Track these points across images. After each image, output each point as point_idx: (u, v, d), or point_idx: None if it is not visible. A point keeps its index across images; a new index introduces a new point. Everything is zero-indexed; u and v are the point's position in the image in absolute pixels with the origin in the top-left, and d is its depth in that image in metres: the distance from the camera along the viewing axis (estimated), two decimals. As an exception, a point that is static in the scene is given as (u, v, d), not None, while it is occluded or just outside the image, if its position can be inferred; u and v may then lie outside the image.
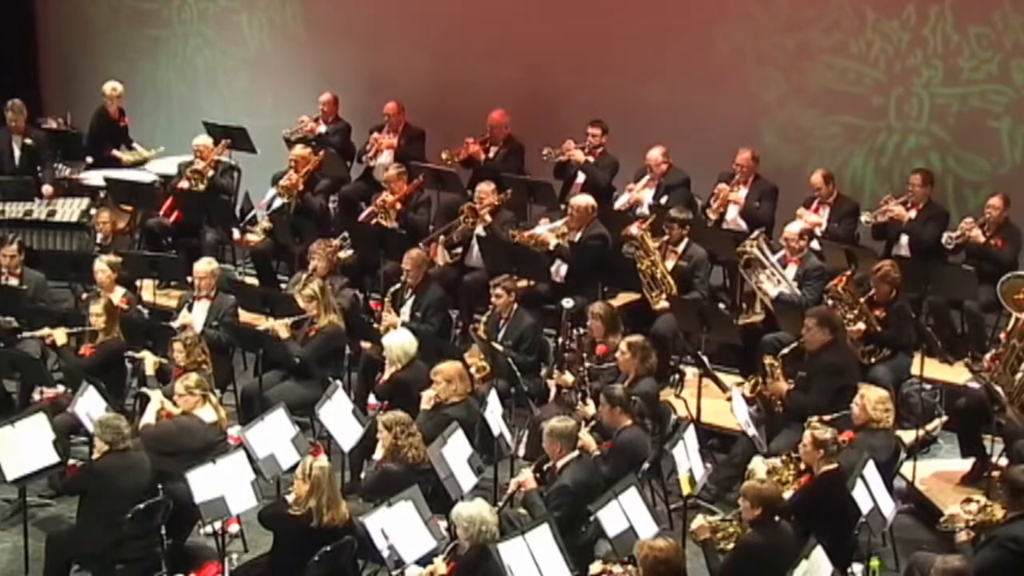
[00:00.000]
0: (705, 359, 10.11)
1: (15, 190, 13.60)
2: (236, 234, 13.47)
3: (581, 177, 13.00)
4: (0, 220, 13.35)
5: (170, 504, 8.52)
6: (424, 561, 7.96)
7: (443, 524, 8.30)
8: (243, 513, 8.69)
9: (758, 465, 8.75)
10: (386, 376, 10.12)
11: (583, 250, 11.66)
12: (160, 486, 8.58)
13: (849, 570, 8.24)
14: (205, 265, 11.26)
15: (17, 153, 14.13)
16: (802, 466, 8.66)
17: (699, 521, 8.14)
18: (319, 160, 13.31)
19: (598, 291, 11.55)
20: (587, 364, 9.98)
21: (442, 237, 12.42)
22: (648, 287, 11.31)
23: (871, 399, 9.00)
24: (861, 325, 10.42)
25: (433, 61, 14.48)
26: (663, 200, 12.45)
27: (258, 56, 15.79)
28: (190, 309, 11.19)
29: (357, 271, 12.38)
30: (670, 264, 11.40)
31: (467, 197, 12.65)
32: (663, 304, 11.18)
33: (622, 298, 11.69)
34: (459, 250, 12.42)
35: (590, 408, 9.53)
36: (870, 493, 8.30)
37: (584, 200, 11.94)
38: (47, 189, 13.77)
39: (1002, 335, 9.99)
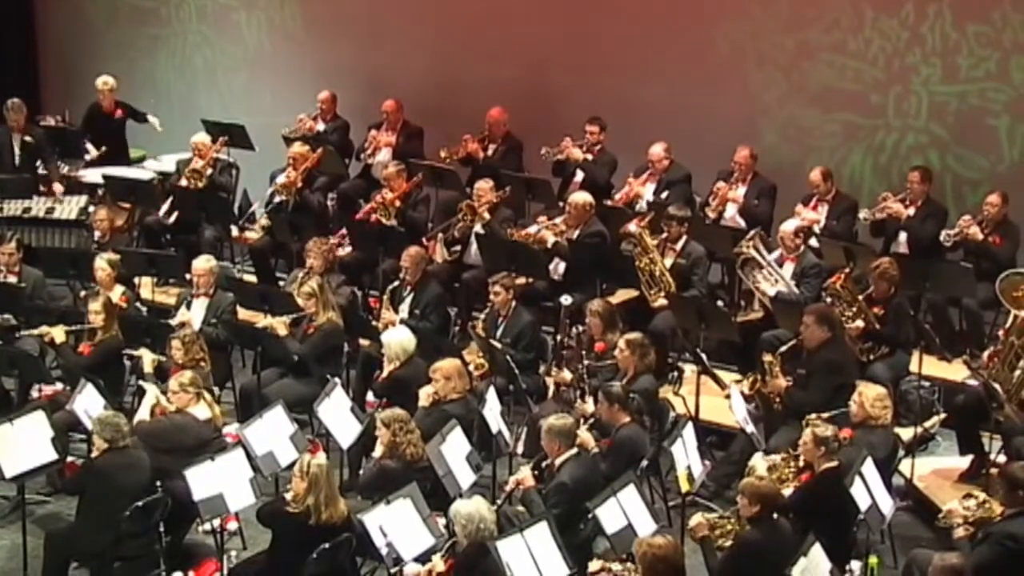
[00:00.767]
0: (704, 356, 10.10)
1: (14, 187, 13.59)
2: (235, 231, 13.47)
3: (580, 175, 13.00)
4: (-2, 217, 13.38)
5: (168, 502, 8.52)
6: (422, 559, 7.95)
7: (441, 521, 8.29)
8: (241, 510, 8.68)
9: (758, 462, 8.74)
10: (385, 373, 10.13)
11: (581, 248, 11.66)
12: (159, 483, 8.58)
13: (848, 567, 8.23)
14: (204, 263, 11.26)
15: (17, 151, 14.13)
16: (801, 463, 8.67)
17: (697, 518, 8.14)
18: (317, 157, 13.31)
19: (597, 288, 11.54)
20: (586, 361, 9.98)
21: (441, 235, 12.42)
22: (647, 284, 11.31)
23: (869, 396, 9.00)
24: (860, 323, 10.42)
25: (432, 59, 14.49)
26: (664, 195, 12.45)
27: (257, 54, 15.80)
28: (188, 307, 11.20)
29: (356, 269, 12.38)
30: (669, 261, 11.40)
31: (466, 195, 12.66)
32: (662, 301, 11.18)
33: (621, 295, 11.69)
34: (458, 248, 12.43)
35: (589, 405, 9.53)
36: (868, 490, 8.29)
37: (582, 198, 11.94)
38: (58, 187, 13.75)
39: (1000, 332, 10.00)
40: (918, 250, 11.59)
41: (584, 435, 8.91)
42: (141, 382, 9.96)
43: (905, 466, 9.70)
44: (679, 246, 11.48)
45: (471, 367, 10.28)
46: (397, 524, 7.93)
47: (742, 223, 12.12)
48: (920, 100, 12.59)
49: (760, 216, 12.16)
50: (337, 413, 9.45)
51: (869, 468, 8.38)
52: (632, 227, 11.38)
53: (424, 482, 8.54)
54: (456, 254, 12.41)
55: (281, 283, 12.29)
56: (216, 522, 8.54)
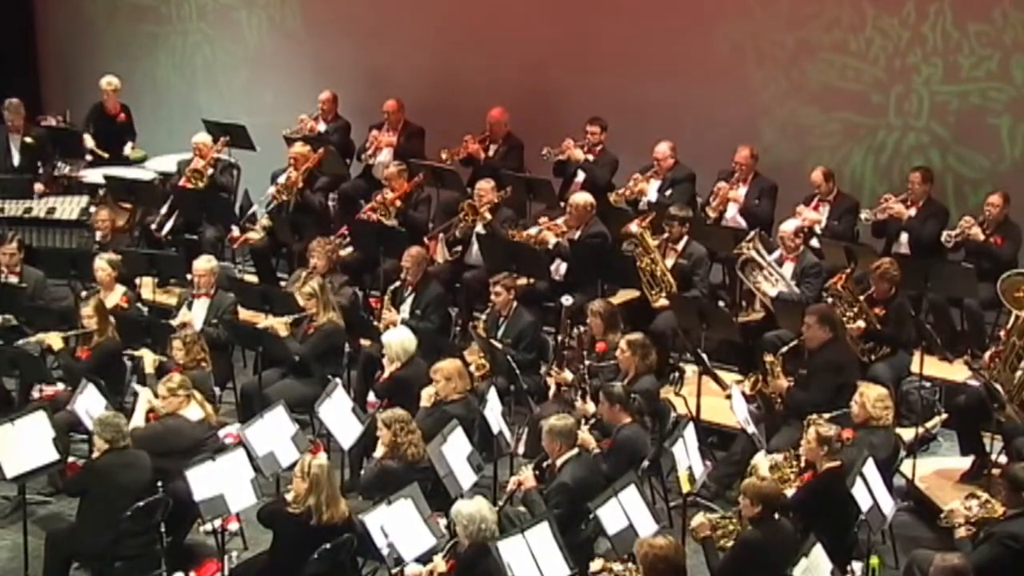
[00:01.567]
0: (705, 357, 10.11)
1: (15, 188, 13.59)
2: (235, 232, 13.46)
3: (581, 175, 13.00)
4: (-1, 218, 13.39)
5: (169, 502, 8.52)
6: (424, 559, 7.95)
7: (443, 522, 8.30)
8: (242, 511, 8.68)
9: (761, 461, 8.75)
10: (386, 374, 10.12)
11: (583, 248, 11.66)
12: (160, 484, 8.58)
13: (849, 568, 8.23)
14: (204, 263, 11.26)
15: (16, 152, 14.12)
16: (803, 463, 8.67)
17: (699, 519, 8.15)
18: (318, 157, 13.30)
19: (598, 289, 11.53)
20: (587, 362, 9.98)
21: (442, 235, 12.42)
22: (648, 285, 11.31)
23: (871, 397, 8.99)
24: (861, 323, 10.42)
25: (433, 58, 14.48)
26: (668, 194, 12.45)
27: (257, 53, 15.79)
28: (189, 307, 11.20)
29: (357, 269, 12.37)
30: (670, 262, 11.40)
31: (467, 195, 12.65)
32: (663, 302, 11.18)
33: (622, 296, 11.68)
34: (459, 248, 12.43)
35: (589, 406, 9.52)
36: (870, 491, 8.29)
37: (583, 198, 11.94)
38: (38, 187, 13.75)
39: (1002, 333, 9.99)
40: (919, 250, 11.59)
41: (585, 435, 8.90)
42: (135, 386, 9.97)
43: (906, 466, 9.69)
44: (680, 246, 11.48)
45: (472, 367, 10.27)
46: (398, 524, 7.93)
47: (743, 223, 12.12)
48: (921, 99, 12.58)
49: (761, 216, 12.16)
50: (338, 413, 9.45)
51: (870, 469, 8.37)
52: (633, 227, 11.38)
53: (425, 482, 8.55)
54: (457, 254, 12.41)
55: (282, 283, 12.29)
56: (217, 522, 8.54)
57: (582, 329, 10.34)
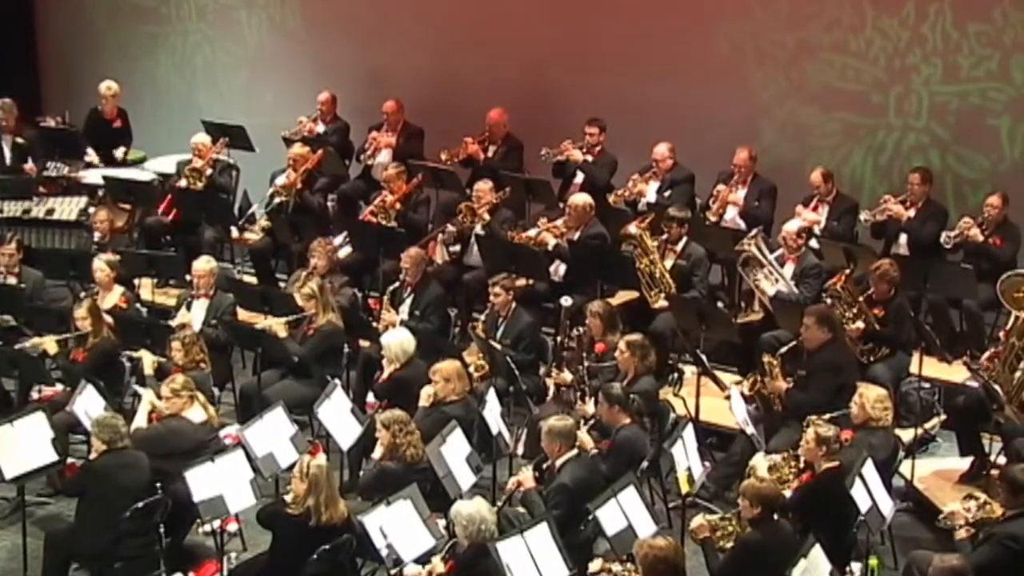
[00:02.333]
0: (704, 357, 10.10)
1: (14, 188, 13.58)
2: (235, 232, 13.46)
3: (580, 176, 12.99)
4: (-2, 219, 13.38)
5: (168, 502, 8.52)
6: (423, 560, 7.95)
7: (442, 523, 8.30)
8: (242, 512, 8.69)
9: (759, 462, 8.75)
10: (385, 375, 10.12)
11: (582, 249, 11.65)
12: (159, 484, 8.58)
13: (848, 569, 8.24)
14: (204, 263, 11.25)
15: (7, 152, 14.11)
16: (802, 464, 8.67)
17: (698, 520, 8.15)
18: (318, 159, 13.30)
19: (597, 290, 11.53)
20: (586, 363, 9.97)
21: (441, 235, 12.41)
22: (647, 286, 11.31)
23: (870, 398, 8.99)
24: (860, 324, 10.42)
25: (432, 59, 14.48)
26: (666, 195, 12.44)
27: (257, 54, 15.79)
28: (189, 307, 11.19)
29: (356, 270, 12.37)
30: (669, 263, 11.40)
31: (466, 196, 12.65)
32: (662, 303, 11.18)
33: (621, 296, 11.68)
34: (458, 248, 12.42)
35: (589, 406, 9.53)
36: (869, 492, 8.29)
37: (582, 199, 11.94)
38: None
39: (1001, 333, 9.99)
40: (918, 251, 11.58)
41: (584, 436, 8.90)
42: (137, 387, 9.96)
43: (905, 467, 9.69)
44: (679, 247, 11.47)
45: (471, 368, 10.28)
46: (397, 525, 7.93)
47: (743, 225, 12.10)
48: (921, 100, 12.57)
49: (761, 217, 12.15)
50: (337, 414, 9.45)
51: (869, 469, 8.37)
52: (632, 228, 11.38)
53: (424, 483, 8.55)
54: (456, 255, 12.40)
55: (281, 284, 12.29)
56: (216, 523, 8.54)
57: (581, 330, 10.33)
